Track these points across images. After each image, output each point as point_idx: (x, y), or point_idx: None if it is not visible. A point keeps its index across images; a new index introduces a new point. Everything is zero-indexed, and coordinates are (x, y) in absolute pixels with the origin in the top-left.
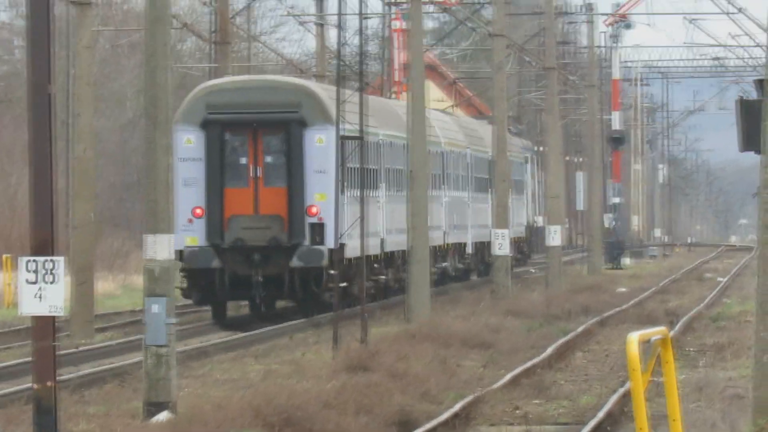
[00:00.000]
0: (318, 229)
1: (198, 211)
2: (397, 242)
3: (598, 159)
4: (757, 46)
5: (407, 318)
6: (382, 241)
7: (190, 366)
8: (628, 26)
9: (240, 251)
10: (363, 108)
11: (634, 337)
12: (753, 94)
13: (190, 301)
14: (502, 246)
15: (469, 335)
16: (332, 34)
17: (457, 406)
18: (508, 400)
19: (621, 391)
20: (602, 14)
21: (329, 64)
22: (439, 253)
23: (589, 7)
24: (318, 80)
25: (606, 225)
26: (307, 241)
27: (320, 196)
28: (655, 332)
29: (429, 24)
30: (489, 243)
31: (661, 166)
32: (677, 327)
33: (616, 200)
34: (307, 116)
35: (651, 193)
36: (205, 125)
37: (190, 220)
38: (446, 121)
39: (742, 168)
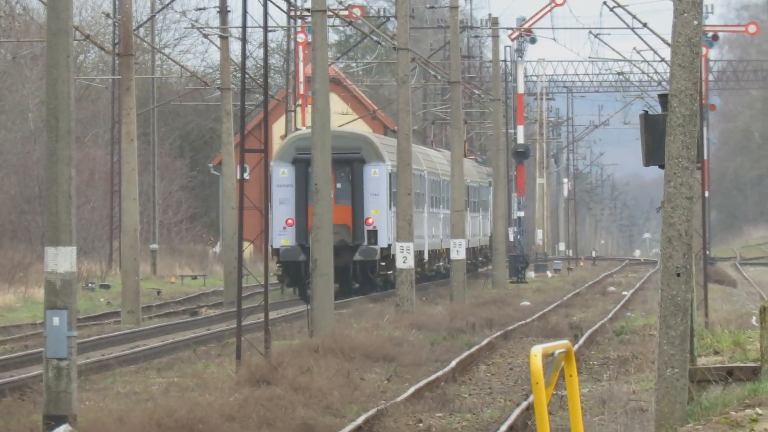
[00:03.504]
0: (373, 234)
1: (289, 221)
2: (419, 244)
3: (502, 173)
4: (662, 60)
5: (310, 331)
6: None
7: (91, 379)
8: (532, 41)
9: None
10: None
11: (538, 351)
12: (657, 109)
13: (89, 314)
14: (406, 259)
15: (372, 348)
16: (236, 46)
17: (360, 420)
18: (411, 413)
19: (524, 404)
20: (506, 28)
21: (233, 77)
22: (434, 256)
23: (494, 21)
24: (222, 93)
25: (510, 238)
26: (365, 243)
27: (375, 211)
28: (559, 346)
29: (333, 37)
30: (471, 249)
31: (565, 180)
32: (581, 340)
33: (521, 214)
34: (366, 156)
35: (555, 206)
36: (295, 162)
37: (284, 228)
38: (427, 153)
39: (646, 182)
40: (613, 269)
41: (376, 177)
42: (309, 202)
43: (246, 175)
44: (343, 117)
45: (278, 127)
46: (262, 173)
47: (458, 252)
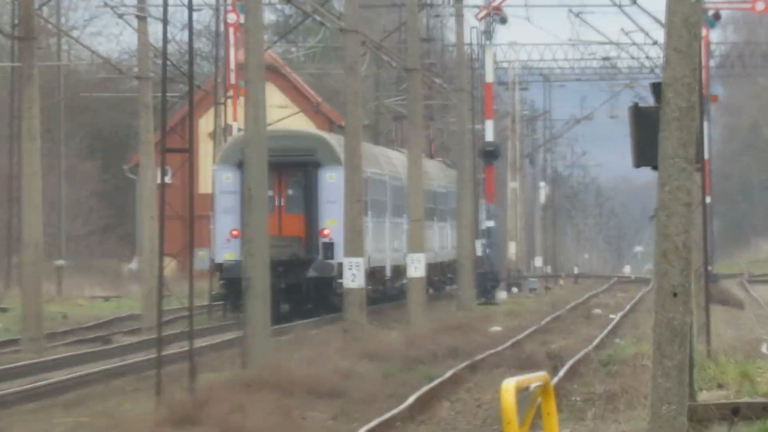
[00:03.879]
0: (329, 247)
1: (234, 232)
2: (380, 259)
3: (468, 175)
4: (654, 43)
5: (243, 362)
6: (369, 258)
7: None
8: (503, 21)
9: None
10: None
11: (510, 384)
12: (649, 100)
13: None
14: (356, 277)
15: (316, 382)
16: (156, 28)
17: None
18: None
19: None
20: (473, 6)
21: (153, 64)
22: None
23: None
24: (141, 82)
25: (478, 253)
26: (320, 256)
27: (331, 221)
28: (535, 378)
29: (270, 17)
30: (439, 264)
31: (542, 184)
32: (561, 372)
33: (490, 224)
34: (321, 159)
35: (531, 215)
36: (241, 165)
37: (228, 240)
38: (389, 155)
39: (636, 187)
40: (598, 288)
41: (333, 182)
42: None
43: (168, 179)
44: (281, 110)
45: (206, 123)
46: (187, 176)
47: (416, 268)
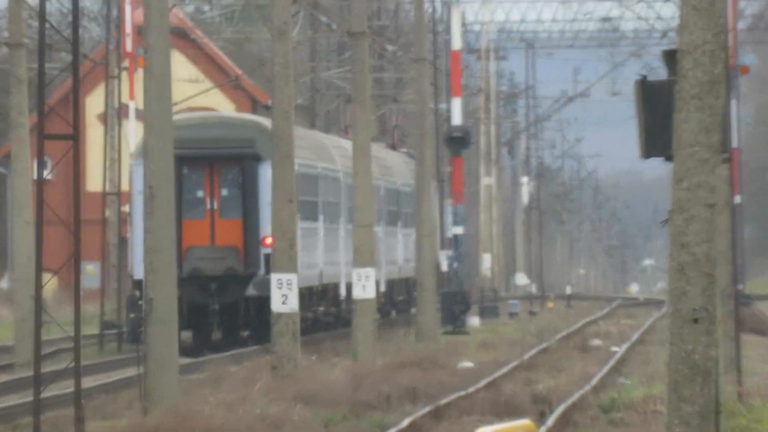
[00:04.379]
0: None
1: None
2: (333, 274)
3: (429, 169)
4: (667, 0)
5: (144, 406)
6: (321, 273)
7: None
8: None
9: (197, 281)
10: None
11: None
12: (660, 72)
13: None
14: (287, 299)
15: None
16: None
17: None
18: None
19: None
20: None
21: (28, 27)
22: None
23: None
24: (12, 49)
25: (443, 268)
26: (262, 271)
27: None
28: (517, 428)
29: None
30: (405, 280)
31: (525, 179)
32: (550, 420)
33: (458, 230)
34: (262, 151)
35: (510, 219)
36: None
37: None
38: (343, 147)
39: (644, 183)
40: (597, 313)
41: None
42: (185, 216)
43: (47, 174)
44: (191, 86)
45: (94, 102)
46: (72, 170)
47: (364, 287)
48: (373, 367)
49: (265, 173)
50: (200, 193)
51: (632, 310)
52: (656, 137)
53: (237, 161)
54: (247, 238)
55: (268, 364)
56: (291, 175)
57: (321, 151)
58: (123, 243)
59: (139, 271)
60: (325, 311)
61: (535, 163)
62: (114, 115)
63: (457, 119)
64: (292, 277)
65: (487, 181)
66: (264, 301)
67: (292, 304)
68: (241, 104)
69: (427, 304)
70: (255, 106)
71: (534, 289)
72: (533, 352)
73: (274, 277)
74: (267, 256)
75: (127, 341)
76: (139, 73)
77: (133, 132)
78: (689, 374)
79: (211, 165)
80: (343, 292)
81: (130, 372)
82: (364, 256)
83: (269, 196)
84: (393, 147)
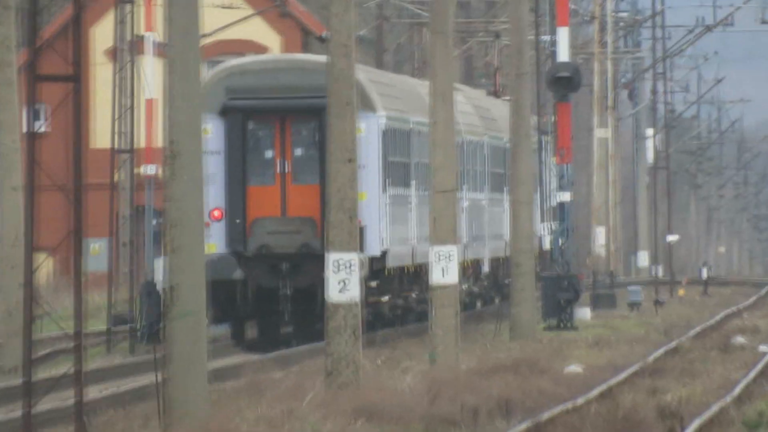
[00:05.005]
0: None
1: (216, 213)
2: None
3: (526, 118)
4: None
5: (164, 423)
6: (413, 251)
7: None
8: None
9: (265, 260)
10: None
11: None
12: None
13: None
14: (345, 285)
15: None
16: None
17: None
18: None
19: None
20: None
21: None
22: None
23: None
24: None
25: (545, 245)
26: None
27: (361, 195)
28: None
29: None
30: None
31: (650, 131)
32: None
33: (565, 197)
34: None
35: (631, 184)
36: (225, 112)
37: (207, 224)
38: (459, 100)
39: None
40: (742, 302)
41: (363, 137)
42: (250, 181)
43: (41, 126)
44: (226, 14)
45: (101, 34)
46: (72, 121)
47: (445, 270)
48: (456, 372)
49: None
50: (269, 154)
51: None
52: None
53: (314, 114)
54: (326, 208)
55: (322, 369)
56: (351, 126)
57: (415, 101)
58: (138, 214)
59: None
60: (418, 297)
61: (664, 110)
62: (126, 51)
63: (563, 55)
64: (353, 258)
65: (601, 133)
66: None
67: (352, 293)
68: (289, 36)
69: (524, 292)
70: (306, 38)
71: (661, 272)
72: (660, 352)
73: (331, 258)
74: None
75: (143, 340)
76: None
77: (151, 72)
78: None
79: (282, 119)
80: (486, 268)
81: (146, 379)
82: (443, 231)
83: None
84: (495, 94)
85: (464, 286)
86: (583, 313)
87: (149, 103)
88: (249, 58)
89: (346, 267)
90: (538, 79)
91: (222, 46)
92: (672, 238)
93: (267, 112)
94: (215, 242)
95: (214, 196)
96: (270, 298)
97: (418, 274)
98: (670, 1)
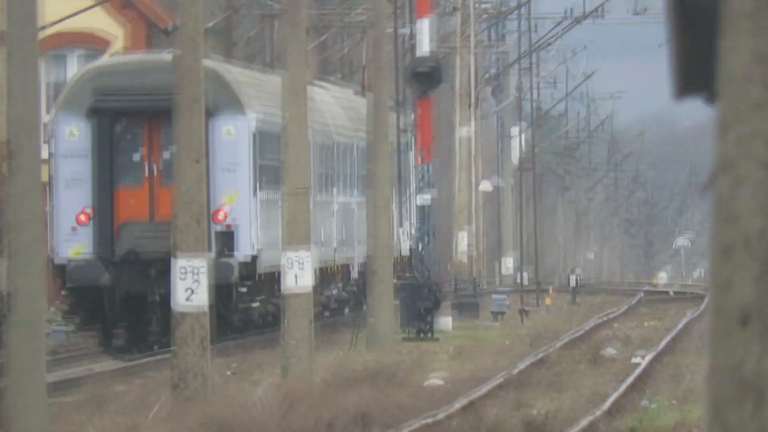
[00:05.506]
0: (226, 238)
1: (83, 217)
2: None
3: (384, 116)
4: None
5: None
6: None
7: None
8: None
9: (134, 265)
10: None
11: None
12: None
13: None
14: (193, 293)
15: None
16: None
17: None
18: None
19: None
20: None
21: None
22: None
23: None
24: None
25: (403, 250)
26: (212, 253)
27: (229, 198)
28: None
29: None
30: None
31: (515, 129)
32: None
33: (426, 199)
34: (214, 103)
35: (496, 184)
36: (93, 114)
37: (74, 228)
38: (327, 101)
39: (677, 133)
40: (613, 310)
41: (232, 139)
42: (118, 183)
43: None
44: (67, 3)
45: None
46: None
47: (298, 276)
48: (310, 384)
49: (219, 131)
50: (137, 156)
51: (660, 307)
52: (695, 70)
53: None
54: (173, 211)
55: (168, 381)
56: (199, 125)
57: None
58: None
59: (61, 251)
60: (262, 303)
61: (531, 107)
62: None
63: (425, 47)
64: (201, 263)
65: (464, 132)
66: (217, 290)
67: (200, 301)
68: (133, 27)
69: (381, 300)
70: (151, 30)
71: (527, 278)
72: (525, 364)
73: (177, 264)
74: (219, 235)
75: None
76: None
77: None
78: (736, 394)
79: (150, 120)
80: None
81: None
82: (296, 235)
83: (223, 159)
84: (363, 93)
85: (333, 292)
86: (445, 322)
87: (55, 108)
88: (117, 58)
89: (193, 273)
90: (396, 74)
91: (62, 38)
92: (683, 241)
93: (135, 113)
94: (82, 246)
95: (82, 199)
96: (138, 304)
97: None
98: None
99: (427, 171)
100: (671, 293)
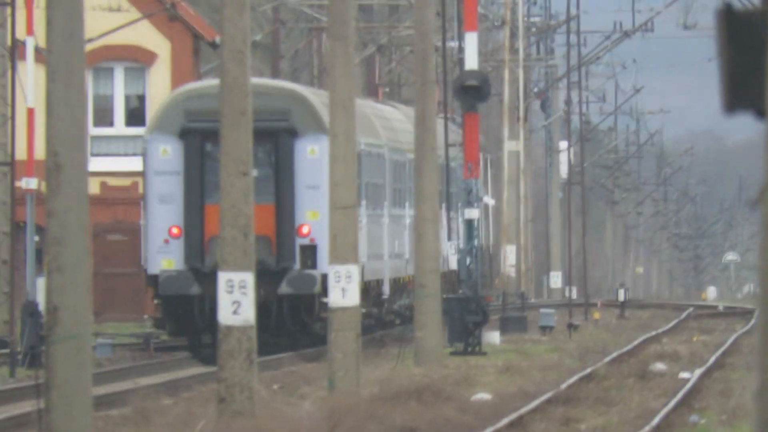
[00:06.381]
0: (309, 251)
1: (175, 230)
2: (375, 269)
3: (431, 130)
4: None
5: None
6: (362, 268)
7: None
8: None
9: None
10: None
11: None
12: None
13: None
14: (239, 307)
15: None
16: None
17: None
18: None
19: None
20: None
21: None
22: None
23: None
24: None
25: (451, 265)
26: (297, 265)
27: (312, 214)
28: None
29: None
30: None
31: (563, 144)
32: None
33: (472, 214)
34: (298, 125)
35: (544, 199)
36: (184, 135)
37: (167, 241)
38: (380, 111)
39: (728, 149)
40: (661, 327)
41: (315, 159)
42: (207, 200)
43: None
44: (111, 16)
45: None
46: None
47: (345, 291)
48: (357, 399)
49: (303, 150)
50: None
51: (709, 323)
52: (744, 86)
53: (269, 136)
54: (279, 227)
55: (213, 396)
56: (246, 137)
57: (363, 122)
58: (18, 231)
59: (153, 264)
60: (367, 313)
61: (579, 122)
62: (5, 56)
63: (471, 62)
64: (248, 277)
65: (512, 146)
66: (299, 300)
67: (247, 314)
68: (178, 42)
69: (429, 315)
70: (197, 43)
71: (575, 293)
72: (573, 379)
73: (223, 277)
74: (303, 248)
75: (24, 364)
76: (40, 1)
77: (31, 79)
78: None
79: None
80: (386, 290)
81: (26, 406)
82: (343, 249)
83: (307, 177)
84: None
85: (406, 301)
86: (492, 337)
87: (30, 112)
88: (208, 82)
89: (240, 287)
90: (444, 88)
91: (108, 51)
92: (732, 257)
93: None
94: (174, 258)
95: (173, 214)
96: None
97: (366, 291)
98: (585, 5)
99: (475, 185)
100: (721, 308)
